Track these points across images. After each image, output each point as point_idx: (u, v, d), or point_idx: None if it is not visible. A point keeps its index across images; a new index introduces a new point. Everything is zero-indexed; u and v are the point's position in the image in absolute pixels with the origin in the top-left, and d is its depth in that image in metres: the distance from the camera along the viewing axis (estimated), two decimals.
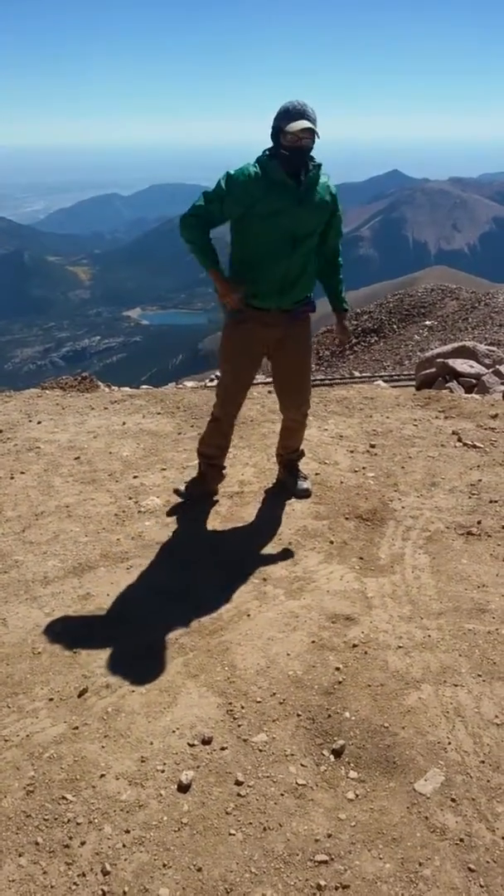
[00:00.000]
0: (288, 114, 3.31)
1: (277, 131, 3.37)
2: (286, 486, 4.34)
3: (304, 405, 4.01)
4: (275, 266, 3.53)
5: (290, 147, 3.35)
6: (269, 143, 3.45)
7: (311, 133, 3.29)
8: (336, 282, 3.91)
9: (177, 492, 4.24)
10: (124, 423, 5.61)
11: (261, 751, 2.47)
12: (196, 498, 4.20)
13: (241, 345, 3.76)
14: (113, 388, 11.34)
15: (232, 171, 3.44)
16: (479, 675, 2.77)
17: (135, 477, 4.57)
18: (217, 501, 4.21)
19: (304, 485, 4.31)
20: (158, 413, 5.82)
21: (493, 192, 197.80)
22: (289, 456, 4.31)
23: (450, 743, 2.47)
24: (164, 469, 4.68)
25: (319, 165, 3.51)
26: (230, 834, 2.18)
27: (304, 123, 3.27)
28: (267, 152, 3.47)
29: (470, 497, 4.21)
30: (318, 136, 3.34)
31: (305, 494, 4.28)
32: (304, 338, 3.82)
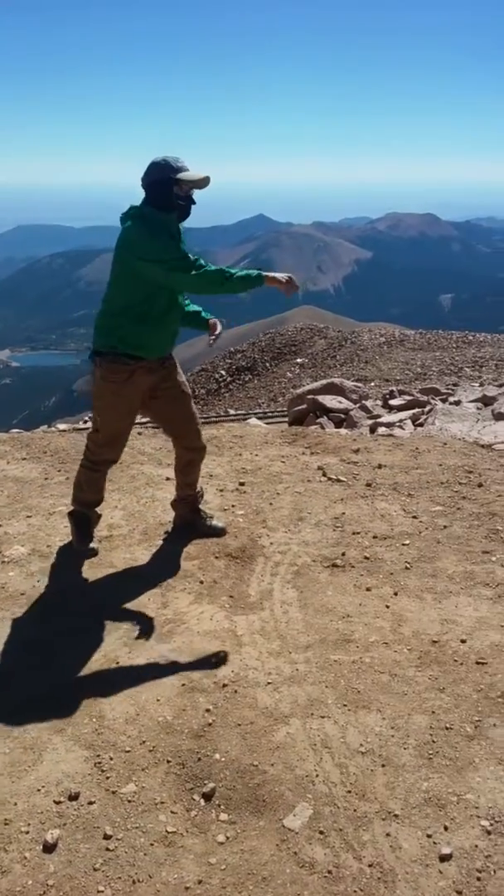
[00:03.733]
0: (172, 167, 3.43)
1: (169, 182, 3.44)
2: (196, 526, 4.29)
3: (198, 431, 4.05)
4: (174, 318, 3.66)
5: (186, 197, 3.51)
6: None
7: None
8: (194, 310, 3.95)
9: (88, 552, 4.07)
10: None
11: (130, 801, 2.42)
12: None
13: (131, 397, 3.74)
14: None
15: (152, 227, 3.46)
16: (345, 705, 2.84)
17: None
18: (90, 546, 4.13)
19: (219, 524, 4.32)
20: (24, 458, 5.66)
21: (353, 236, 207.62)
22: (193, 494, 4.26)
23: (317, 775, 2.51)
24: (29, 516, 4.55)
25: None
26: (98, 891, 2.12)
27: (202, 173, 3.45)
28: (147, 208, 3.51)
29: (334, 530, 4.34)
30: None
31: (224, 531, 4.28)
32: (177, 369, 3.91)
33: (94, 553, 4.06)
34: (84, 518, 4.08)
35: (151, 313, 3.58)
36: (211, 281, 3.47)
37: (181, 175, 3.44)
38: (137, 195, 3.60)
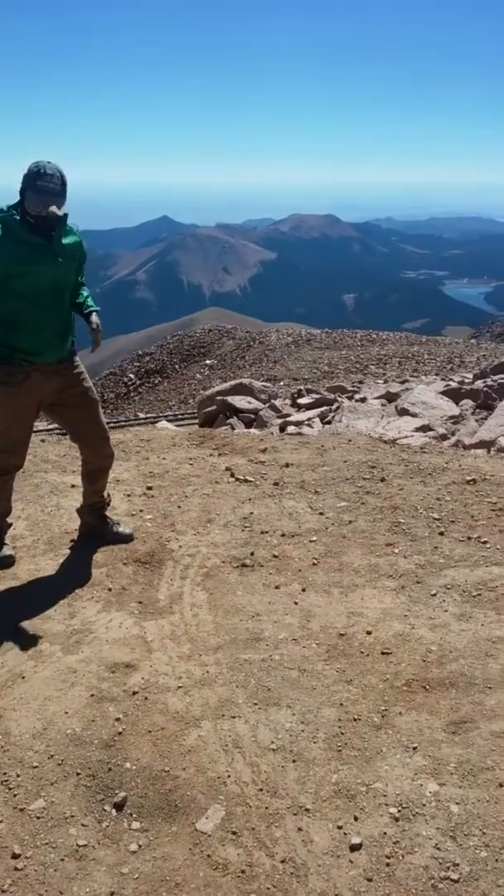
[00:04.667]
0: (35, 185, 3.27)
1: (22, 193, 3.35)
2: (103, 536, 4.20)
3: (106, 439, 4.01)
4: (50, 321, 3.55)
5: (36, 217, 3.37)
6: None
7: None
8: (83, 298, 3.83)
9: (6, 560, 3.98)
10: None
11: (38, 818, 2.36)
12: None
13: (28, 400, 3.68)
14: None
15: None
16: (255, 704, 2.86)
17: None
18: None
19: (125, 530, 4.24)
20: None
21: (257, 238, 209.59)
22: (100, 501, 4.19)
23: (229, 776, 2.52)
24: None
25: (65, 216, 3.51)
26: None
27: (52, 209, 3.28)
28: (13, 211, 3.43)
29: (243, 530, 4.36)
30: (65, 211, 3.38)
31: (131, 537, 4.20)
32: (83, 375, 3.84)
33: (11, 560, 3.98)
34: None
35: (21, 320, 3.53)
36: None
37: (28, 196, 3.32)
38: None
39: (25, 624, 3.44)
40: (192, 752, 2.62)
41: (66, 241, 3.56)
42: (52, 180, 3.29)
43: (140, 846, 2.27)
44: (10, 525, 4.15)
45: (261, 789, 2.47)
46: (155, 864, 2.21)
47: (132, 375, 35.43)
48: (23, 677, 3.05)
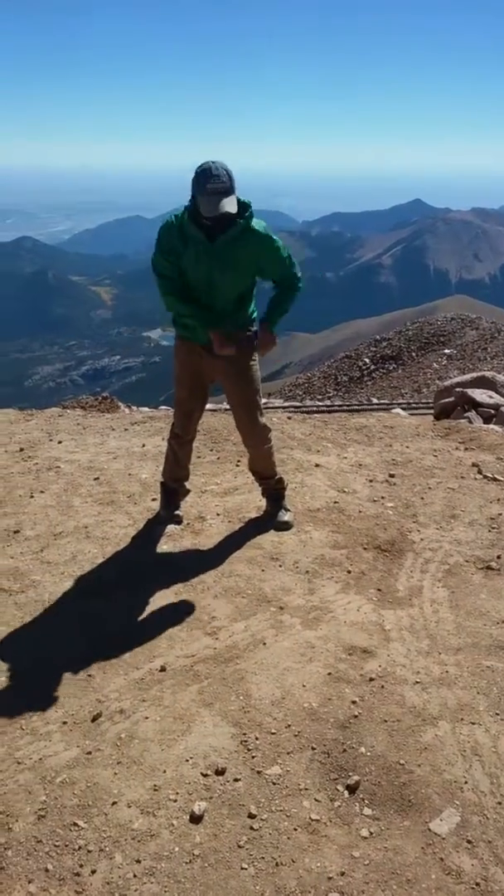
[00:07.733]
0: (203, 188, 3.25)
1: (193, 199, 3.36)
2: (271, 516, 4.30)
3: (249, 431, 4.01)
4: (193, 313, 3.66)
5: (208, 219, 3.36)
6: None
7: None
8: (277, 301, 3.78)
9: (172, 518, 4.32)
10: (144, 445, 5.62)
11: (274, 784, 2.44)
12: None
13: (187, 370, 3.94)
14: (133, 408, 11.41)
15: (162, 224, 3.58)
16: (497, 714, 2.73)
17: (153, 499, 4.57)
18: (238, 527, 4.22)
19: (284, 517, 4.25)
20: None
21: None
22: (266, 487, 4.28)
23: (466, 782, 2.44)
24: None
25: (244, 219, 3.46)
26: (242, 868, 2.16)
27: (222, 208, 3.24)
28: (187, 207, 3.48)
29: (490, 531, 4.18)
30: (239, 203, 3.34)
31: (284, 527, 4.22)
32: (242, 364, 3.84)
33: (178, 519, 4.29)
34: (171, 490, 4.31)
35: (187, 298, 3.72)
36: (158, 287, 3.66)
37: (199, 199, 3.28)
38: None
39: (266, 592, 3.56)
40: (429, 751, 2.56)
41: (234, 248, 3.50)
42: (219, 184, 3.25)
43: (371, 833, 2.27)
44: (188, 491, 4.45)
45: (500, 802, 2.36)
46: (386, 855, 2.19)
47: (367, 360, 35.37)
48: (264, 643, 3.17)
